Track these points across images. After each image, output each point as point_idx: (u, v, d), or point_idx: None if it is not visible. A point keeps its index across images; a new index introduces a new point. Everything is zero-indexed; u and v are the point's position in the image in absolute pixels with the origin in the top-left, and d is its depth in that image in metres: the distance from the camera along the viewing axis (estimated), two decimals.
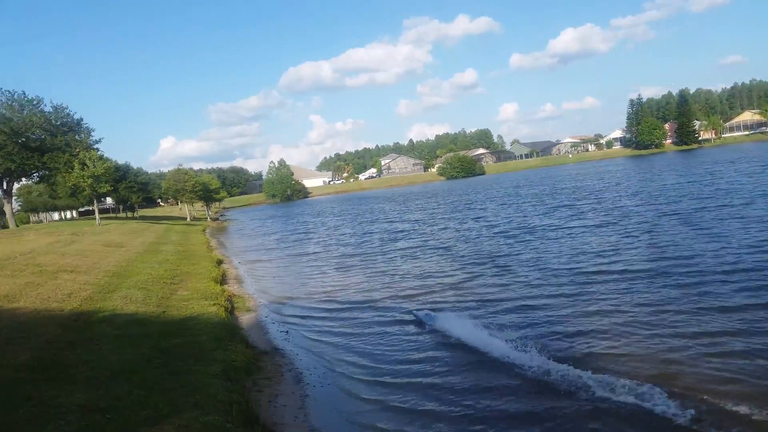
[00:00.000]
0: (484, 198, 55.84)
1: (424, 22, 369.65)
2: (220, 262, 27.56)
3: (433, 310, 13.57)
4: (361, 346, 12.18)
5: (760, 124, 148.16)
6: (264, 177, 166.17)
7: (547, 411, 7.99)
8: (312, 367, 10.89)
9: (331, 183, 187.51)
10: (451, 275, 18.43)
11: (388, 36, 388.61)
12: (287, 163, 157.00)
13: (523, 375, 9.21)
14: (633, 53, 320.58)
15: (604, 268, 16.34)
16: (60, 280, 17.26)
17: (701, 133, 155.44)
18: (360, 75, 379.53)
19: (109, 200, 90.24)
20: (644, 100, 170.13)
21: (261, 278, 23.44)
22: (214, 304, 15.18)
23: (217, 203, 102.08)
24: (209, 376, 8.96)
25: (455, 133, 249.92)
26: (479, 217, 35.43)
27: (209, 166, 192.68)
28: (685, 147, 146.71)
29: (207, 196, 79.65)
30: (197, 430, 6.86)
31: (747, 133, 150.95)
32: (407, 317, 13.89)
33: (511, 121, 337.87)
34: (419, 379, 9.85)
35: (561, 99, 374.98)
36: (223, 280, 22.01)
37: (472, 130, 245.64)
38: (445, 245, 24.95)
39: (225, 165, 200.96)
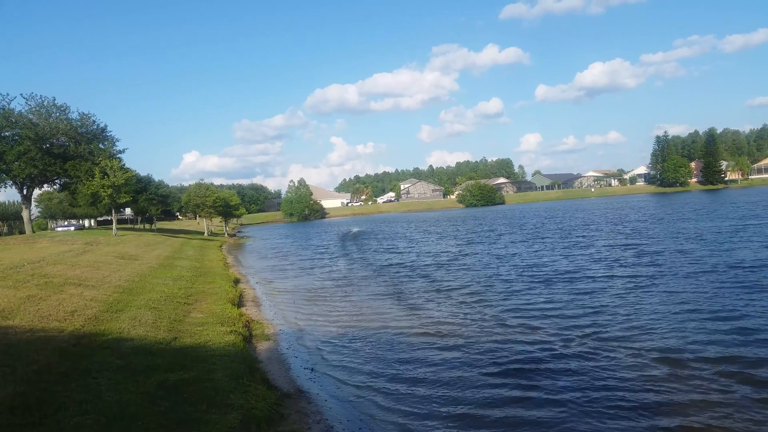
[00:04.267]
0: (512, 229, 53.99)
1: (453, 49, 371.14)
2: (237, 281, 26.15)
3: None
4: (400, 388, 10.52)
5: None
6: (283, 195, 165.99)
7: None
8: (345, 418, 9.20)
9: (350, 205, 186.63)
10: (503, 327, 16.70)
11: (415, 62, 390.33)
12: (307, 183, 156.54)
13: None
14: (661, 90, 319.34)
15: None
16: (65, 294, 15.86)
17: (728, 173, 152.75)
18: (385, 99, 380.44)
19: (128, 211, 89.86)
20: (670, 137, 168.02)
21: (280, 301, 21.88)
22: (231, 331, 13.68)
23: (235, 219, 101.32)
24: (225, 430, 7.37)
25: (476, 161, 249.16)
26: (515, 254, 33.31)
27: (230, 182, 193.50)
28: (711, 186, 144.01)
29: (226, 211, 78.79)
30: None
31: None
32: (452, 349, 12.30)
33: (532, 152, 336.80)
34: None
35: (584, 132, 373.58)
36: (240, 301, 20.52)
37: (493, 159, 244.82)
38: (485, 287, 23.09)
39: (245, 182, 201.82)
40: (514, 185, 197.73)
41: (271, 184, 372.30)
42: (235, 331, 13.80)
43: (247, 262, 40.86)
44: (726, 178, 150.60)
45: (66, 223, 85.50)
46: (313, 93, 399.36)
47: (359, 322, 16.58)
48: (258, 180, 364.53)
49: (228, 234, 79.93)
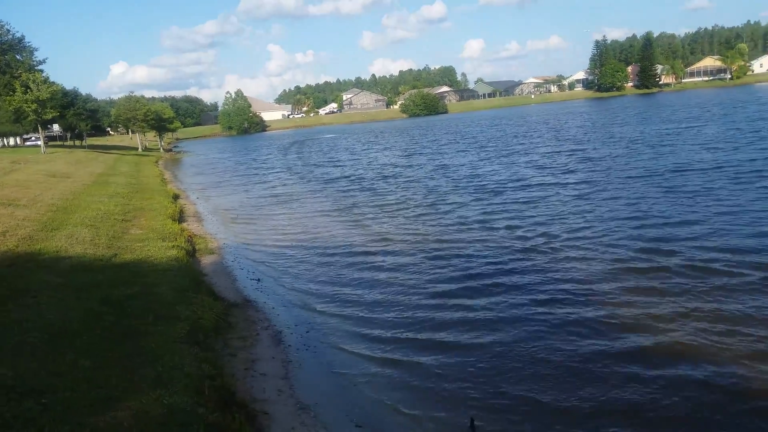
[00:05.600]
0: (456, 138, 54.34)
1: None
2: (176, 197, 25.62)
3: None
4: (347, 295, 10.84)
5: (720, 71, 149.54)
6: (220, 108, 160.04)
7: None
8: (292, 323, 9.48)
9: (291, 117, 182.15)
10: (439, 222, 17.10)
11: None
12: (244, 94, 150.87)
13: None
14: None
15: None
16: None
17: (662, 77, 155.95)
18: (324, 3, 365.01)
19: (56, 127, 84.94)
20: (609, 42, 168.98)
21: (223, 215, 21.69)
22: (173, 246, 13.54)
23: (171, 134, 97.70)
24: (173, 340, 7.46)
25: (419, 70, 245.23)
26: (461, 165, 33.76)
27: (162, 94, 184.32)
28: (645, 90, 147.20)
29: (160, 125, 75.76)
30: (160, 417, 5.43)
31: (707, 78, 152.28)
32: (397, 259, 12.68)
33: (475, 59, 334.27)
34: (426, 335, 8.71)
35: (527, 37, 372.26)
36: (180, 217, 20.20)
37: (436, 67, 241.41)
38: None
39: (178, 94, 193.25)
40: (457, 94, 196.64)
41: (207, 96, 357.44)
42: (178, 245, 13.67)
43: (186, 177, 39.89)
44: (660, 82, 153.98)
45: (33, 137, 79.08)
46: None
47: (304, 236, 16.68)
48: (192, 92, 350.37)
49: (163, 149, 77.13)
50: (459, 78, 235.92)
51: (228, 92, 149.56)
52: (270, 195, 26.54)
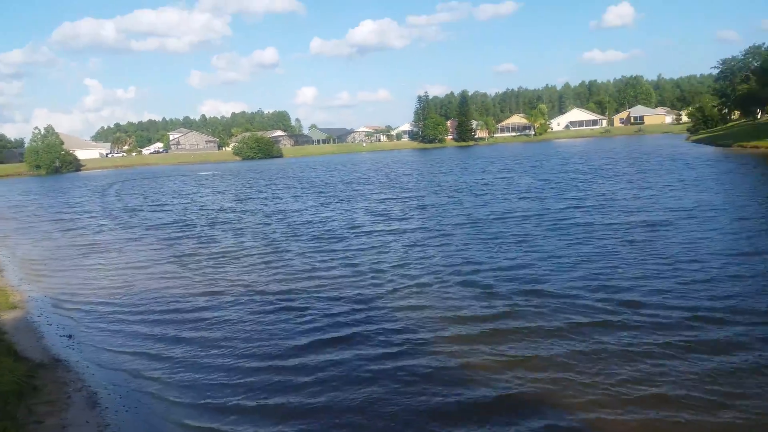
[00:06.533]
0: (291, 183, 54.48)
1: None
2: None
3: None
4: (171, 352, 10.23)
5: (525, 127, 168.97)
6: (26, 145, 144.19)
7: None
8: (110, 384, 8.75)
9: (110, 156, 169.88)
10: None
11: (183, 1, 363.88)
12: (56, 130, 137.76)
13: None
14: (425, 51, 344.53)
15: None
16: None
17: (477, 131, 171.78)
18: (148, 39, 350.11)
19: None
20: (430, 97, 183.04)
21: (28, 266, 19.45)
22: None
23: None
24: None
25: (252, 113, 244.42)
26: (296, 210, 33.78)
27: None
28: (463, 143, 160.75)
29: None
30: None
31: (514, 134, 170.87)
32: (226, 313, 12.24)
33: (308, 105, 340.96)
34: (257, 396, 8.32)
35: (357, 89, 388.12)
36: None
37: (270, 111, 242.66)
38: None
39: None
40: (291, 138, 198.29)
41: (11, 132, 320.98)
42: None
43: None
44: (476, 136, 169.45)
45: None
46: (62, 26, 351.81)
47: (123, 288, 15.38)
48: None
49: None
50: (293, 123, 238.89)
51: (36, 127, 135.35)
52: (83, 243, 24.20)
